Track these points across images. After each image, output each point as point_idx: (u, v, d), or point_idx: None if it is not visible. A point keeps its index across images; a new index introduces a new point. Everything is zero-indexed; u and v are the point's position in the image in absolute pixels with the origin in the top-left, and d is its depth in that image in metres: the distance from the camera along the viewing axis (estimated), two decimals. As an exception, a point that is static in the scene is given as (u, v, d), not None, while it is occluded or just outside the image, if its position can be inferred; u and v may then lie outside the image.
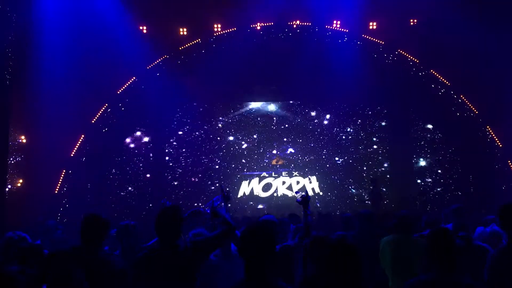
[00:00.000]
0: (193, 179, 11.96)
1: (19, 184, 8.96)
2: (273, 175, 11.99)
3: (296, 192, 11.07)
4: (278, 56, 10.09)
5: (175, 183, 11.82)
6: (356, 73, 10.28)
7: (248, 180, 11.86)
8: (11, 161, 8.78)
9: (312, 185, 11.87)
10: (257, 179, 11.90)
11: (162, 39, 10.28)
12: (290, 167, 12.07)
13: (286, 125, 12.22)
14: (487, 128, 10.25)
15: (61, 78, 8.68)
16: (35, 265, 3.29)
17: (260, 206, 11.71)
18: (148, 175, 11.58)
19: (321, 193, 11.88)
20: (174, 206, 3.43)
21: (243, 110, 12.19)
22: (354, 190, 12.06)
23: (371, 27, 10.56)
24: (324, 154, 12.14)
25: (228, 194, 4.45)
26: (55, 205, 9.39)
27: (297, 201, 4.53)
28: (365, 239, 4.43)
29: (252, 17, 10.37)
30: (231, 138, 12.16)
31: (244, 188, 11.81)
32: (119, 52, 9.42)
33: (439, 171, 11.48)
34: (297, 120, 12.20)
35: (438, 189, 11.43)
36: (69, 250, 3.26)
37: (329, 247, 2.64)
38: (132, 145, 11.48)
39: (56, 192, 9.58)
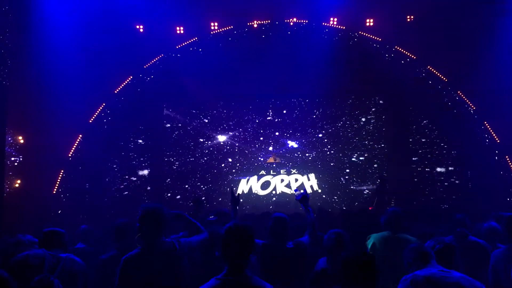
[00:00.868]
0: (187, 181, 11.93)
1: (17, 185, 8.94)
2: (271, 173, 12.00)
3: (295, 190, 11.10)
4: (275, 54, 10.07)
5: (168, 180, 11.81)
6: (353, 69, 10.36)
7: (247, 179, 11.87)
8: (9, 162, 8.75)
9: (310, 182, 11.89)
10: (255, 177, 11.92)
11: (159, 38, 10.28)
12: (288, 165, 12.07)
13: (283, 122, 12.19)
14: (485, 124, 10.29)
15: (58, 78, 8.65)
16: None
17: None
18: (146, 175, 11.55)
19: (319, 191, 11.90)
20: (159, 206, 3.44)
21: (238, 107, 12.14)
22: (353, 187, 12.05)
23: (368, 24, 10.61)
24: (324, 152, 12.13)
25: (238, 198, 4.55)
26: (54, 205, 9.39)
27: (297, 198, 4.56)
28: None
29: (249, 15, 10.40)
30: (224, 137, 12.11)
31: (243, 186, 11.84)
32: (117, 51, 9.42)
33: (437, 167, 11.49)
34: (295, 116, 12.17)
35: (435, 185, 11.44)
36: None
37: (344, 265, 2.69)
38: (131, 145, 11.44)
39: (54, 192, 9.57)
